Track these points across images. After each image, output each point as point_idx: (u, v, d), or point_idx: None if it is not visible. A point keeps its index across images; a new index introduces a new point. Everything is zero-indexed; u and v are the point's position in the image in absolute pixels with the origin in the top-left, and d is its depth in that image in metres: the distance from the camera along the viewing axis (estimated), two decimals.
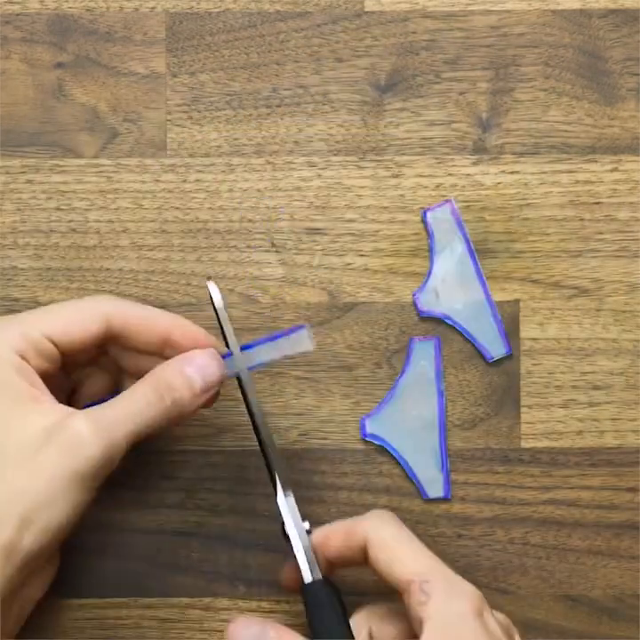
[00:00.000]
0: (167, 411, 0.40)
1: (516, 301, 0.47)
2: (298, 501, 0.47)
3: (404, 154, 0.47)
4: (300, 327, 0.42)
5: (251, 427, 0.46)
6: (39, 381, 0.39)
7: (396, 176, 0.47)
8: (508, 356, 0.47)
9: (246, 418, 0.46)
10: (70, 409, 0.39)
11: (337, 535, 0.42)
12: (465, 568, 0.47)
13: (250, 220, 0.47)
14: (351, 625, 0.41)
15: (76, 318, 0.40)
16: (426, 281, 0.47)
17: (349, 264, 0.47)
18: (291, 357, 0.43)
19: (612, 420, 0.47)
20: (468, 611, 0.39)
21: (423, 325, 0.47)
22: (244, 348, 0.42)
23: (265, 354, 0.42)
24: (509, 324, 0.47)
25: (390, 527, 0.41)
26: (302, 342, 0.42)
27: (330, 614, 0.41)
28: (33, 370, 0.39)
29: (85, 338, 0.40)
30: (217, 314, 0.42)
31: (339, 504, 0.47)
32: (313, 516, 0.47)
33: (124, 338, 0.41)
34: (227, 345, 0.42)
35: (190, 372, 0.40)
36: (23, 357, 0.39)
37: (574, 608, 0.47)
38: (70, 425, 0.38)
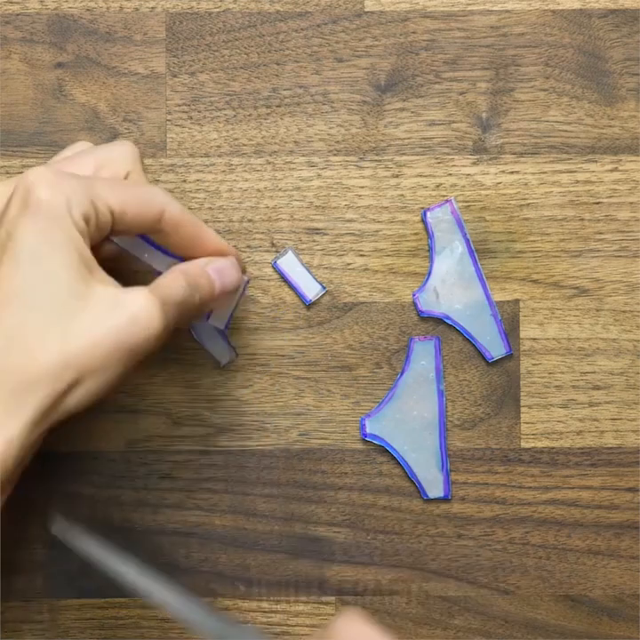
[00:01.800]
0: (195, 306, 0.40)
1: (516, 301, 0.47)
2: (298, 502, 0.47)
3: (404, 154, 0.47)
4: None
5: (251, 427, 0.47)
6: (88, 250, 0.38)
7: (396, 176, 0.47)
8: (508, 356, 0.47)
9: (247, 418, 0.47)
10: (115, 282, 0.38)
11: None
12: (465, 568, 0.47)
13: (250, 220, 0.47)
14: None
15: (140, 202, 0.39)
16: (426, 281, 0.47)
17: (349, 264, 0.47)
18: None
19: (612, 420, 0.47)
20: None
21: (423, 325, 0.47)
22: None
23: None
24: (509, 324, 0.47)
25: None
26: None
27: None
28: (88, 238, 0.38)
29: (138, 224, 0.39)
30: None
31: (338, 504, 0.47)
32: (313, 516, 0.47)
33: (163, 237, 0.41)
34: None
35: (212, 273, 0.41)
36: (87, 222, 0.38)
37: (574, 608, 0.47)
38: (135, 300, 0.37)
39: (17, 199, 0.37)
